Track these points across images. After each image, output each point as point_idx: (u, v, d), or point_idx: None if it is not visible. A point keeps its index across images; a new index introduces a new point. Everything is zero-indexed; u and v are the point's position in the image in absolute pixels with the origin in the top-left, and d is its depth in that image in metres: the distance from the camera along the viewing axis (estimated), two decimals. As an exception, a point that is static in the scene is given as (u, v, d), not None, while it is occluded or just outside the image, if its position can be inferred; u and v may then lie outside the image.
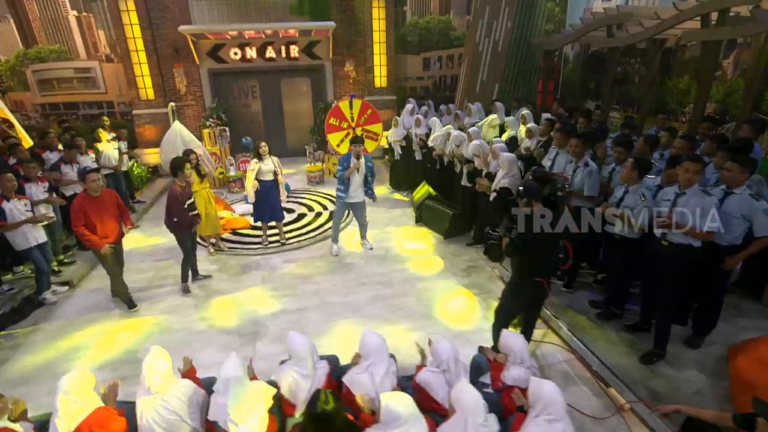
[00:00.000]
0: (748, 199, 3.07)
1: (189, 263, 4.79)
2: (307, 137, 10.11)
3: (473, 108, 7.50)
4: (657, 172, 3.91)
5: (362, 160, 5.17)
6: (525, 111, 6.27)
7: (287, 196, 7.08)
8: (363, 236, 5.76)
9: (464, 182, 5.65)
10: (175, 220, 4.45)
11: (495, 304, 3.57)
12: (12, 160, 5.17)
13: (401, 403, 2.01)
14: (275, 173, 5.47)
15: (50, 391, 2.25)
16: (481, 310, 4.29)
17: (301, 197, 7.83)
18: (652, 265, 3.32)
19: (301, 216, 6.92)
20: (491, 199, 4.72)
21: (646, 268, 3.47)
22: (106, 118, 8.01)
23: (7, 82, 13.25)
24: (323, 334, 3.95)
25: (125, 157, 7.25)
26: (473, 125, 6.48)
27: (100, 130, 6.90)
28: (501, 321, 3.32)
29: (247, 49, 9.43)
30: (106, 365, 3.64)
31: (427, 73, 12.81)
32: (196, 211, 4.70)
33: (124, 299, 4.47)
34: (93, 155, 6.25)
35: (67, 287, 4.89)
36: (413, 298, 4.54)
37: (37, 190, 4.72)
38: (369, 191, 5.45)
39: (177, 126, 7.75)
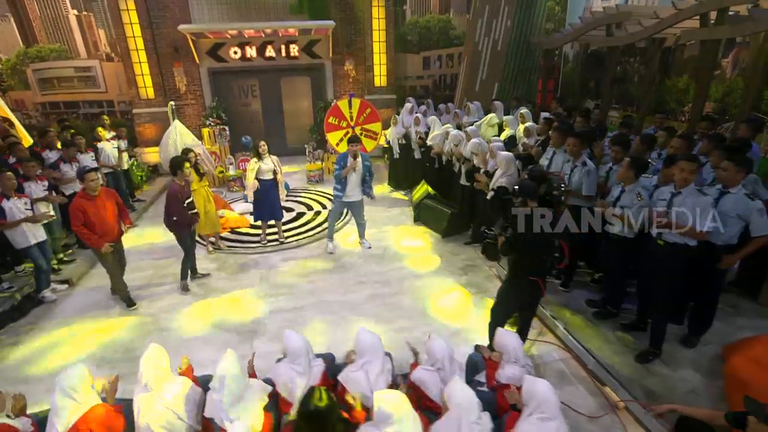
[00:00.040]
0: (743, 199, 3.07)
1: (189, 261, 4.82)
2: (307, 136, 10.13)
3: (472, 107, 7.50)
4: (654, 171, 3.91)
5: (359, 159, 5.18)
6: (524, 110, 6.28)
7: (286, 195, 7.11)
8: (361, 235, 5.77)
9: (463, 181, 5.66)
10: (175, 218, 4.47)
11: (492, 302, 3.59)
12: (12, 159, 5.20)
13: (394, 402, 2.02)
14: (275, 172, 5.50)
15: (49, 388, 2.28)
16: (477, 309, 4.30)
17: (299, 196, 7.85)
18: (647, 264, 3.33)
19: (300, 215, 6.94)
20: (488, 197, 4.74)
21: (642, 267, 3.47)
22: (106, 117, 8.04)
23: (8, 81, 13.29)
24: (321, 333, 3.96)
25: (125, 155, 7.28)
26: (471, 124, 6.49)
27: (100, 129, 6.93)
28: (497, 320, 3.34)
29: (247, 48, 9.45)
30: (104, 363, 3.66)
31: (427, 72, 12.81)
32: (195, 210, 4.73)
33: (123, 298, 4.50)
34: (92, 154, 6.28)
35: (66, 285, 4.92)
36: (411, 296, 4.56)
37: (37, 189, 4.74)
38: (368, 190, 5.46)
39: (176, 125, 7.77)
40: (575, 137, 4.07)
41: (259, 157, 5.37)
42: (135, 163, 8.44)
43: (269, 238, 5.92)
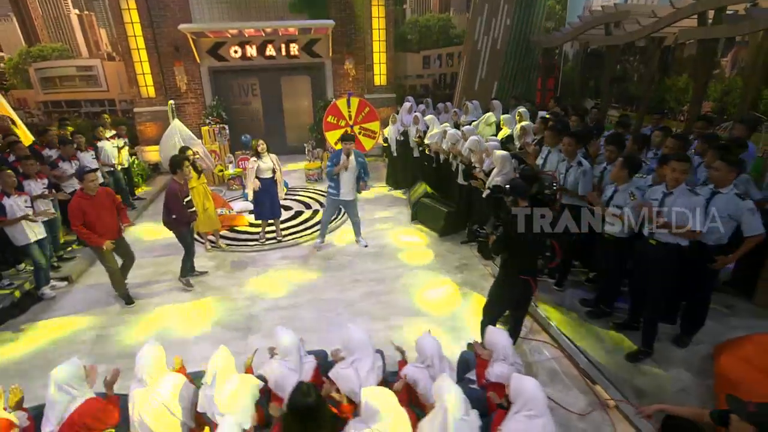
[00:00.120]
0: (734, 199, 3.07)
1: (191, 259, 4.87)
2: (307, 135, 10.17)
3: (470, 106, 7.51)
4: (648, 171, 3.92)
5: (352, 157, 5.21)
6: (521, 109, 6.28)
7: (285, 193, 7.14)
8: (357, 233, 5.80)
9: (460, 180, 5.68)
10: (174, 216, 4.52)
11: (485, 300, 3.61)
12: (12, 158, 5.25)
13: (381, 398, 2.05)
14: (274, 171, 5.53)
15: (46, 383, 2.31)
16: (471, 307, 4.32)
17: (297, 194, 7.88)
18: (640, 264, 3.34)
19: (299, 213, 6.98)
20: (484, 196, 4.75)
21: (635, 266, 3.48)
22: (106, 115, 8.09)
23: (11, 80, 13.40)
24: (315, 330, 4.00)
25: (125, 152, 7.32)
26: (469, 123, 6.50)
27: (100, 128, 6.98)
28: (488, 318, 3.36)
29: (247, 48, 9.48)
30: (103, 360, 3.71)
31: (426, 71, 12.81)
32: (193, 208, 4.78)
33: (122, 295, 4.55)
34: (92, 152, 6.33)
35: (66, 282, 4.97)
36: (406, 294, 4.59)
37: (36, 187, 4.78)
38: (364, 179, 5.46)
39: (176, 124, 7.80)
40: (570, 137, 4.07)
41: (258, 156, 5.41)
42: (135, 161, 8.50)
43: (267, 236, 5.96)
